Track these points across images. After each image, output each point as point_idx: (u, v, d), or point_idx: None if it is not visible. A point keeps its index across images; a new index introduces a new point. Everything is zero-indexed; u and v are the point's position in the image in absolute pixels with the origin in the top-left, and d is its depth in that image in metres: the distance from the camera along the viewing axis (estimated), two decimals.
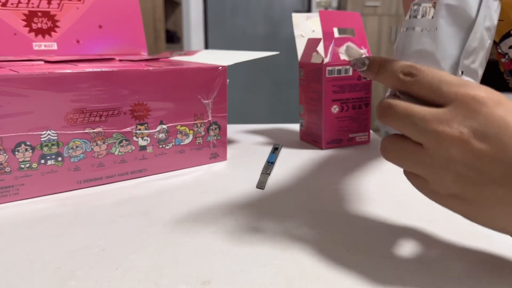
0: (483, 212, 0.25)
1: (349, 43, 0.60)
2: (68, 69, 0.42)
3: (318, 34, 0.67)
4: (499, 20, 0.50)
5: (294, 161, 0.55)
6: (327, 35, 0.59)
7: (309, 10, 3.51)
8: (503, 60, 0.54)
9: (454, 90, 0.24)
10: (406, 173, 0.28)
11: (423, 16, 0.26)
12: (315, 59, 0.61)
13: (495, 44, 0.53)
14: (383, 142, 0.28)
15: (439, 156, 0.24)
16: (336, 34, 0.61)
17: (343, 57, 0.59)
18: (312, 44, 0.62)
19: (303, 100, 0.64)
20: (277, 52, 0.61)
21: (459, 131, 0.23)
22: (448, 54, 0.25)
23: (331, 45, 0.59)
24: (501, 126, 0.22)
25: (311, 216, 0.37)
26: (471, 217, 0.26)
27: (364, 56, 0.30)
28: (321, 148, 0.61)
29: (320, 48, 0.60)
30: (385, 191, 0.45)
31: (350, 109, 0.61)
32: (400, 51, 0.28)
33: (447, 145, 0.24)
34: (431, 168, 0.25)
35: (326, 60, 0.58)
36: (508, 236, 0.34)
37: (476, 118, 0.23)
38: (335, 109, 0.60)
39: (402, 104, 0.25)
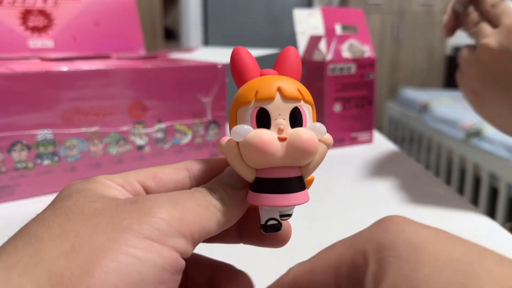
0: (487, 107, 0.41)
1: (352, 41, 0.59)
2: (64, 67, 0.41)
3: (321, 31, 0.66)
4: None
5: None
6: (329, 32, 0.58)
7: (309, 6, 3.50)
8: None
9: (508, 21, 0.39)
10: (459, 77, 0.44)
11: None
12: (317, 57, 0.60)
13: None
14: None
15: (477, 58, 0.40)
16: (339, 31, 0.60)
17: (345, 54, 0.59)
18: (314, 41, 0.61)
19: None
20: (277, 52, 0.61)
21: (492, 45, 0.38)
22: None
23: (333, 42, 0.58)
24: None
25: (313, 217, 0.37)
26: (479, 110, 0.42)
27: None
28: None
29: (322, 45, 0.59)
30: (387, 191, 0.44)
31: (352, 107, 0.60)
32: None
33: (484, 52, 0.39)
34: (468, 66, 0.41)
35: (328, 57, 0.57)
36: (509, 236, 0.34)
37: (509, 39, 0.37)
38: (337, 107, 0.59)
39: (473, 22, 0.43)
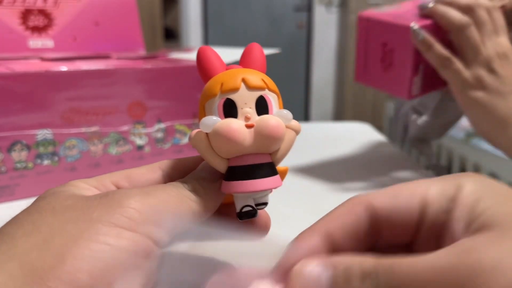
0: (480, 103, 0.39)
1: None
2: (64, 67, 0.41)
3: None
4: None
5: (295, 161, 0.54)
6: None
7: (309, 6, 3.50)
8: None
9: None
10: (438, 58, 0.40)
11: None
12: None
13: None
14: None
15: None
16: None
17: None
18: None
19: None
20: (277, 51, 0.61)
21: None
22: None
23: None
24: None
25: (314, 219, 0.37)
26: (464, 101, 0.40)
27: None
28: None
29: None
30: None
31: None
32: None
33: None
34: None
35: None
36: None
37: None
38: None
39: None
